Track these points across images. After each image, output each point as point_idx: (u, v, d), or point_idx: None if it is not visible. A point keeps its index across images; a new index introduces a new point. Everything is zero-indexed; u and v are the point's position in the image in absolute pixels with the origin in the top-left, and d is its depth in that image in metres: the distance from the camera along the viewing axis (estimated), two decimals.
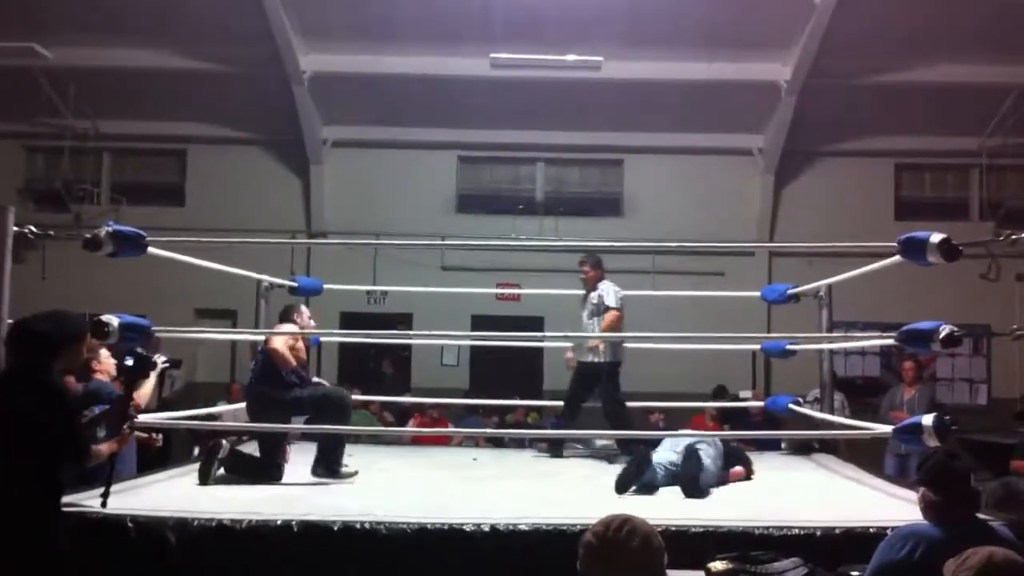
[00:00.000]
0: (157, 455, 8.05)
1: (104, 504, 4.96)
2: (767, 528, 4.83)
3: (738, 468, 6.78)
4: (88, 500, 5.15)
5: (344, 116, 15.17)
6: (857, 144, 15.22)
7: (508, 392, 11.41)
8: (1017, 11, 12.67)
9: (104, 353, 7.40)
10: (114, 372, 7.46)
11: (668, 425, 10.52)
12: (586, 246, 14.78)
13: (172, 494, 5.73)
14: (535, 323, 13.99)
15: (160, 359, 7.78)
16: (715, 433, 9.08)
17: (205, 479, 6.22)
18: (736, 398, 11.11)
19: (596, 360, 8.12)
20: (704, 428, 10.88)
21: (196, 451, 8.94)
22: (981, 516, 3.91)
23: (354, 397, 10.72)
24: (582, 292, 8.43)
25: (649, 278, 13.27)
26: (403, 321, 14.34)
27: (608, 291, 8.18)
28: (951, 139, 15.03)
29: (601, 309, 8.17)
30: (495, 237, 14.05)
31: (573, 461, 8.09)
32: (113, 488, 5.74)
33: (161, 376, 8.57)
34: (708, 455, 6.37)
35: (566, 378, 13.49)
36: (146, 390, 7.69)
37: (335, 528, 4.82)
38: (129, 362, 5.01)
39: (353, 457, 8.10)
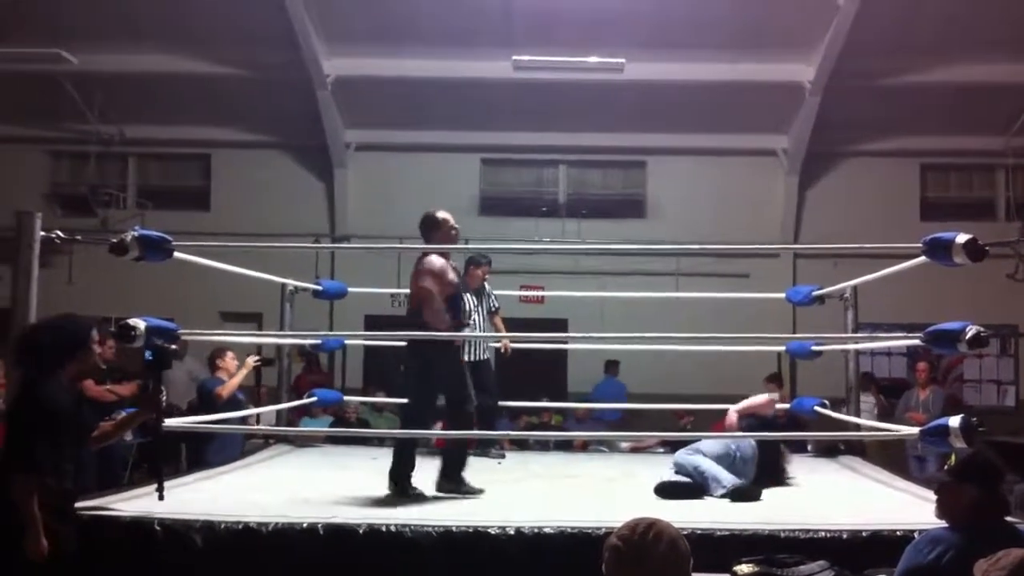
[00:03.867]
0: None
1: (160, 497, 5.02)
2: (793, 531, 4.81)
3: None
4: (114, 504, 5.19)
5: (367, 119, 15.20)
6: (882, 144, 15.11)
7: (533, 394, 11.37)
8: None
9: (230, 354, 8.60)
10: (233, 370, 8.46)
11: (696, 427, 10.48)
12: (610, 248, 14.86)
13: (198, 497, 5.75)
14: (559, 325, 13.99)
15: (253, 358, 8.43)
16: (739, 435, 9.00)
17: None
18: None
19: (490, 358, 8.74)
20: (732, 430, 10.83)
21: None
22: (1008, 519, 3.87)
23: (380, 400, 10.91)
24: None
25: (673, 280, 13.25)
26: None
27: (493, 293, 8.75)
28: (977, 139, 14.92)
29: (493, 308, 8.70)
30: (518, 239, 14.06)
31: (594, 462, 8.09)
32: (138, 491, 5.80)
33: (258, 372, 8.90)
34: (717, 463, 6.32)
35: (591, 379, 13.63)
36: (234, 383, 8.22)
37: (361, 531, 4.84)
38: (148, 356, 5.00)
39: (378, 460, 8.14)
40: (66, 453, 4.22)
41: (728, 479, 6.10)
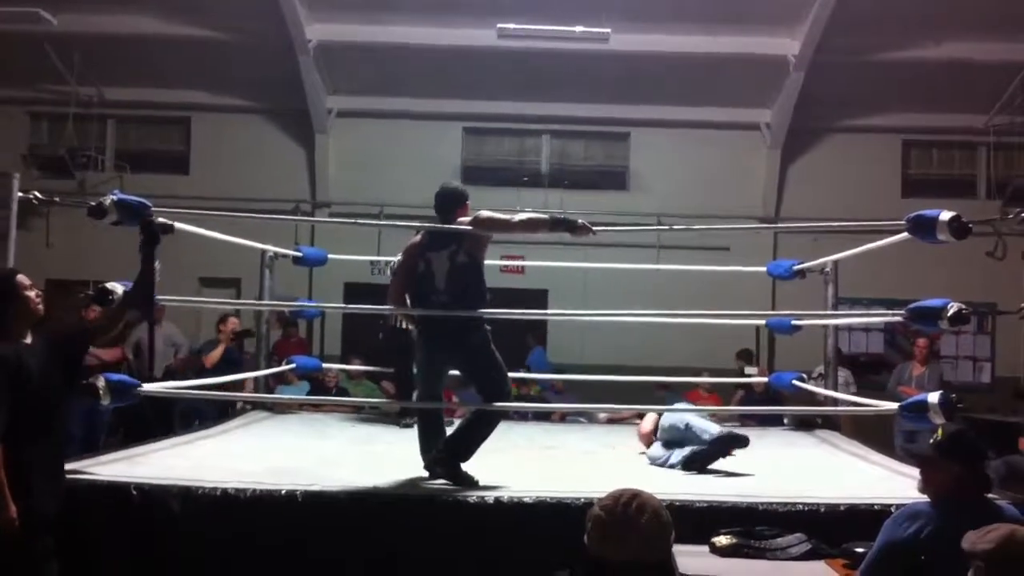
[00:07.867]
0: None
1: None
2: (771, 504, 4.84)
3: None
4: (93, 467, 5.16)
5: (349, 86, 15.10)
6: (864, 120, 15.13)
7: (512, 364, 11.37)
8: None
9: (232, 320, 9.58)
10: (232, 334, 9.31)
11: (674, 398, 10.52)
12: (592, 221, 14.78)
13: (176, 463, 5.73)
14: (539, 295, 13.98)
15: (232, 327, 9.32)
16: (713, 408, 9.09)
17: None
18: (741, 373, 11.11)
19: None
20: (700, 401, 10.89)
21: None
22: (988, 495, 3.89)
23: (357, 368, 10.88)
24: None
25: (654, 252, 13.24)
26: None
27: None
28: (959, 116, 14.93)
29: None
30: (500, 209, 14.00)
31: (573, 433, 8.10)
32: (116, 455, 5.76)
33: (240, 339, 9.19)
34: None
35: (571, 350, 13.65)
36: (216, 353, 8.51)
37: (340, 499, 4.83)
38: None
39: (356, 428, 8.15)
40: (27, 409, 4.02)
41: (716, 428, 6.20)
